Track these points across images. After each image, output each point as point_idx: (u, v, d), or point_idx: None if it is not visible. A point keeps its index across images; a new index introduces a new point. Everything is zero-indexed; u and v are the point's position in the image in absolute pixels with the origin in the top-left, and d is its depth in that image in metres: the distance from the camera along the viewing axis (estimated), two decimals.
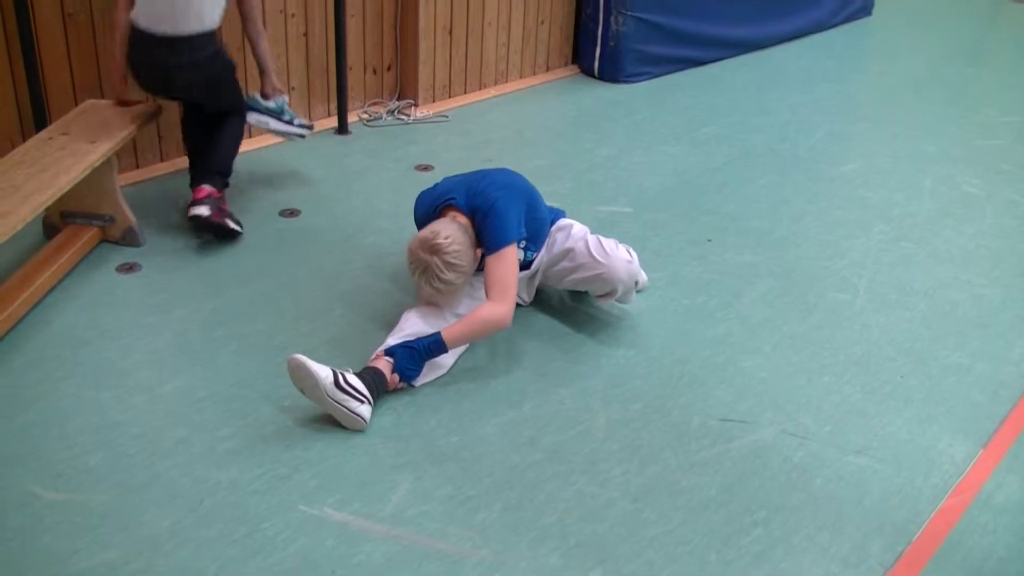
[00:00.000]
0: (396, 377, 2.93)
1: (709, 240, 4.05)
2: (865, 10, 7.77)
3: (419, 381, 3.01)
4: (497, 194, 3.08)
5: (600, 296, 3.37)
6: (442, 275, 2.95)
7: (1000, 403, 3.14)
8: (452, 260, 2.95)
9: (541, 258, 3.39)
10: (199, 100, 3.79)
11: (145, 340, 3.16)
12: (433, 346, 2.97)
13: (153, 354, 3.10)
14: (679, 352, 3.29)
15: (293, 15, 4.62)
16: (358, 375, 2.84)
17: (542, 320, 3.39)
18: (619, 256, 3.26)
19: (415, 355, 2.96)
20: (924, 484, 2.76)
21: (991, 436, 2.98)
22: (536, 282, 3.46)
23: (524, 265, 3.30)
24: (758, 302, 3.62)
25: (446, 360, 3.09)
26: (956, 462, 2.86)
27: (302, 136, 4.23)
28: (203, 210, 3.63)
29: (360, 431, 2.80)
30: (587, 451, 2.80)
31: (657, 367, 3.20)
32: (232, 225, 3.72)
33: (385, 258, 3.72)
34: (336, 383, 2.75)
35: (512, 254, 3.07)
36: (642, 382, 3.12)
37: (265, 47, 3.96)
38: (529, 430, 2.86)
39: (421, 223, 3.19)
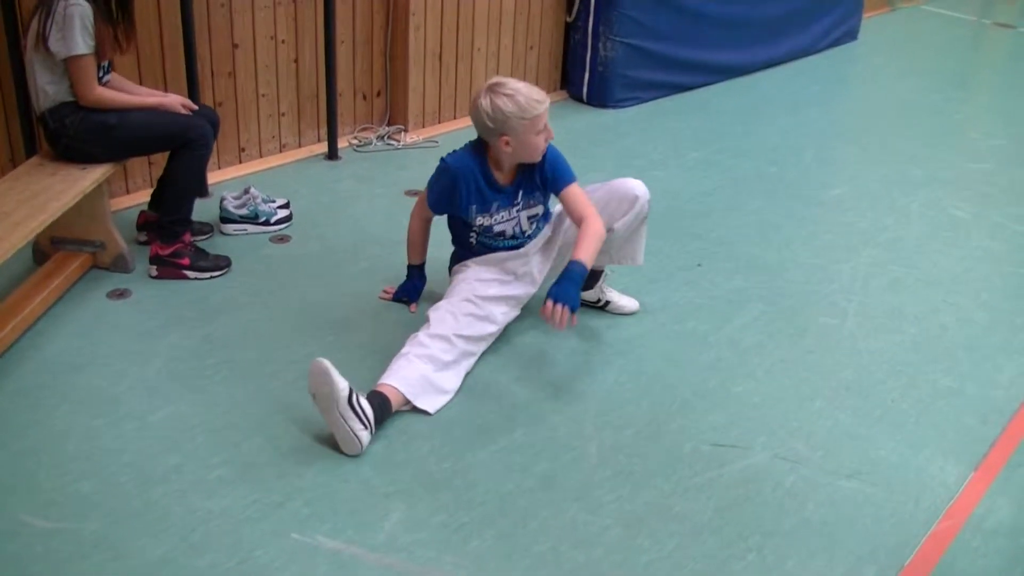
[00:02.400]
0: (401, 398, 2.95)
1: (699, 265, 4.07)
2: (850, 35, 7.83)
3: (433, 408, 3.01)
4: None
5: (619, 252, 3.49)
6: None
7: (990, 426, 3.15)
8: (508, 92, 3.06)
9: (546, 234, 3.46)
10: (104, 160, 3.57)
11: (136, 367, 3.15)
12: (583, 271, 3.07)
13: (145, 381, 3.09)
14: (670, 377, 3.29)
15: (284, 41, 4.64)
16: (368, 399, 2.84)
17: (532, 347, 3.40)
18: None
19: (575, 284, 3.04)
20: (916, 508, 2.77)
21: (982, 459, 3.00)
22: (552, 255, 3.46)
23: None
24: (749, 327, 3.63)
25: (451, 385, 3.09)
26: (947, 486, 2.87)
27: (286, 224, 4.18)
28: (152, 271, 3.65)
29: (354, 455, 2.79)
30: (580, 477, 2.80)
31: (648, 392, 3.21)
32: (190, 275, 3.65)
33: (377, 284, 3.72)
34: (349, 400, 2.75)
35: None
36: (634, 408, 3.13)
37: (128, 99, 3.56)
38: (521, 457, 2.86)
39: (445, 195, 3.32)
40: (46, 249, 3.66)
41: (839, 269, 4.12)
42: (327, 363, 2.74)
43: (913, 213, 4.75)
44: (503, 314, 3.29)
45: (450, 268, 3.51)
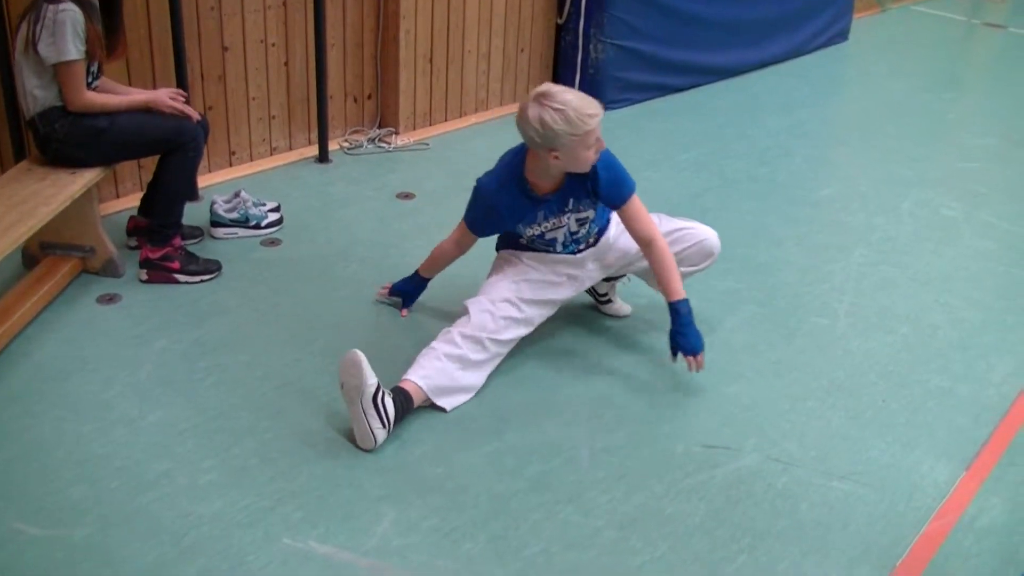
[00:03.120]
0: (423, 396, 2.96)
1: None
2: (841, 36, 7.84)
3: (450, 406, 3.03)
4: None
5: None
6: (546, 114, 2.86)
7: (982, 426, 3.16)
8: (558, 107, 2.85)
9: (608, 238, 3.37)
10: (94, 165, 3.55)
11: (126, 372, 3.14)
12: (688, 307, 3.12)
13: (135, 386, 3.08)
14: (662, 379, 3.29)
15: (274, 44, 4.63)
16: (392, 397, 2.84)
17: (522, 351, 3.39)
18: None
19: (691, 325, 3.12)
20: (908, 508, 2.77)
21: (973, 459, 3.00)
22: (608, 264, 3.41)
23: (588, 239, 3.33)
24: (741, 328, 3.63)
25: (474, 383, 3.09)
26: (939, 485, 2.87)
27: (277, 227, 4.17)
28: (142, 275, 3.64)
29: (367, 450, 2.80)
30: (572, 480, 2.79)
31: (640, 394, 3.21)
32: (181, 279, 3.65)
33: (368, 287, 3.71)
34: (374, 397, 2.76)
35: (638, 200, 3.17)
36: (625, 410, 3.12)
37: (117, 100, 3.51)
38: (513, 460, 2.85)
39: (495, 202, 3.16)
40: (35, 254, 3.64)
41: (831, 269, 4.12)
42: (360, 356, 2.76)
43: (904, 213, 4.76)
44: (540, 316, 3.26)
45: (498, 247, 3.41)
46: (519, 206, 3.12)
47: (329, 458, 2.80)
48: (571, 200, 3.14)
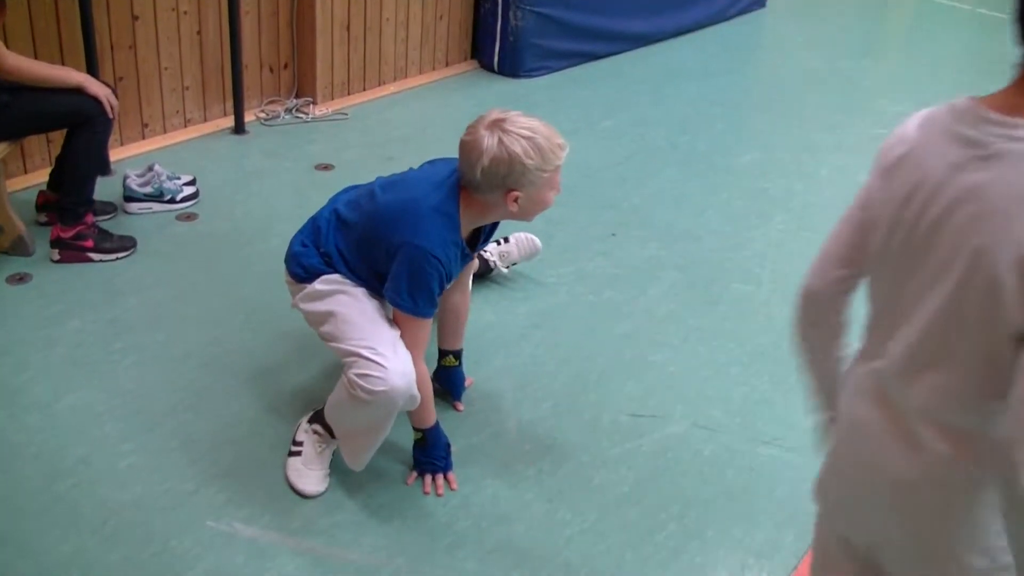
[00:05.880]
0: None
1: (613, 235, 4.06)
2: (759, 3, 7.88)
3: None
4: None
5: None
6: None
7: None
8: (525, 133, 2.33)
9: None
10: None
11: (39, 354, 3.04)
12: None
13: (48, 369, 2.98)
14: (587, 349, 3.29)
15: (186, 12, 4.50)
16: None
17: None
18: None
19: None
20: None
21: None
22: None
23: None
24: (664, 296, 3.64)
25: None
26: None
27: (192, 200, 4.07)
28: (54, 255, 3.52)
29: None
30: (499, 453, 2.78)
31: (566, 365, 3.20)
32: (95, 257, 3.53)
33: None
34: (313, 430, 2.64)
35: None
36: (551, 380, 3.12)
37: (37, 69, 3.39)
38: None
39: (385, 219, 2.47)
40: None
41: (752, 236, 4.16)
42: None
43: (823, 179, 4.81)
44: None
45: (312, 273, 2.59)
46: (456, 267, 2.54)
47: (252, 438, 2.75)
48: (476, 246, 2.68)
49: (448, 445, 2.68)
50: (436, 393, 2.84)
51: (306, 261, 2.57)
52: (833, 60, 6.87)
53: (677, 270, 3.83)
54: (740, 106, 5.88)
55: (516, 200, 2.38)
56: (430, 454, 2.63)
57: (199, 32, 4.60)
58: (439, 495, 2.62)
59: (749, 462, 2.82)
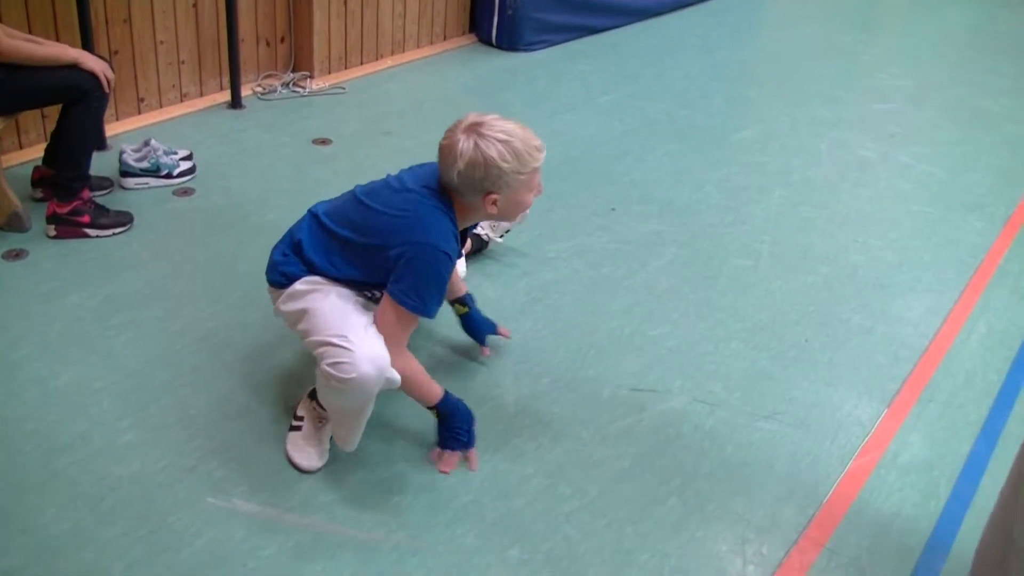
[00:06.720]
0: None
1: (613, 209, 4.05)
2: None
3: None
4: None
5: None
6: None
7: (901, 364, 3.20)
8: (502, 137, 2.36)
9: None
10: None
11: (36, 330, 3.03)
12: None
13: (45, 345, 2.96)
14: (587, 323, 3.28)
15: None
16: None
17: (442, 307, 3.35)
18: None
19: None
20: (832, 446, 2.81)
21: (894, 397, 3.05)
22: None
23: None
24: (663, 271, 3.63)
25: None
26: (862, 423, 2.91)
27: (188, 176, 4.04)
28: (50, 231, 3.49)
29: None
30: (499, 428, 2.77)
31: (565, 340, 3.19)
32: (91, 232, 3.51)
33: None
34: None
35: None
36: (551, 355, 3.10)
37: (33, 50, 3.32)
38: None
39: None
40: None
41: (751, 211, 4.14)
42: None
43: (822, 154, 4.79)
44: None
45: (293, 279, 2.52)
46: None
47: (251, 414, 2.73)
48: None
49: (470, 415, 2.64)
50: (465, 349, 2.98)
51: (287, 269, 2.54)
52: (833, 34, 6.84)
53: (676, 245, 3.81)
54: (739, 80, 5.85)
55: (495, 203, 2.42)
56: (450, 426, 2.62)
57: (195, 5, 4.56)
58: (471, 469, 2.60)
59: (748, 436, 2.81)
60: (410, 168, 2.61)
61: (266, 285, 2.62)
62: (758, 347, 3.22)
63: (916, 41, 6.98)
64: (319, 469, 2.57)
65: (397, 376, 2.39)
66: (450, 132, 2.40)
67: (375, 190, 2.54)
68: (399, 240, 2.38)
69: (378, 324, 2.39)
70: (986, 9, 7.92)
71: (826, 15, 7.30)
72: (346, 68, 5.33)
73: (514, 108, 5.04)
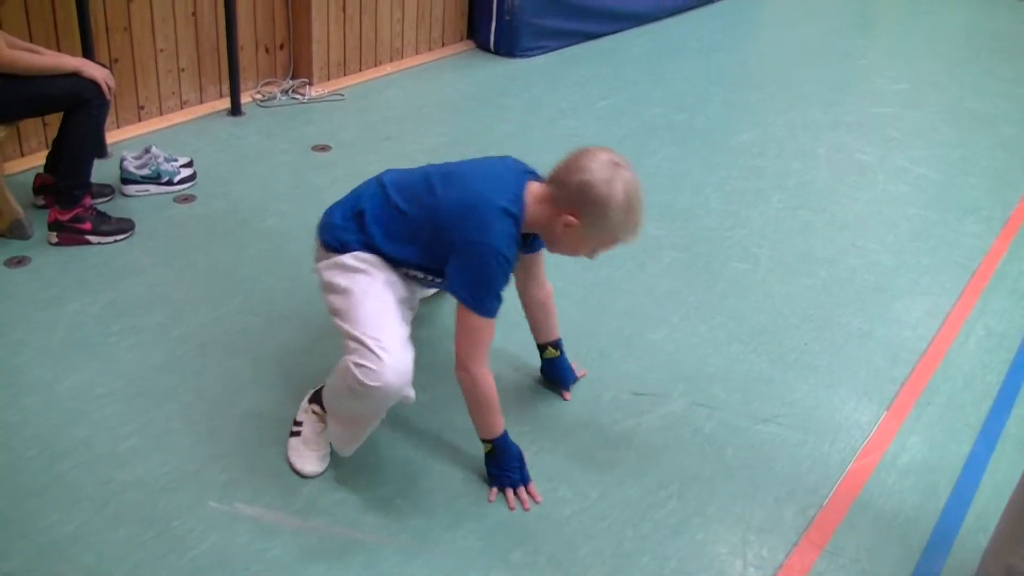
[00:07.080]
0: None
1: None
2: None
3: None
4: None
5: None
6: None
7: (900, 366, 3.22)
8: None
9: None
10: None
11: (38, 336, 3.04)
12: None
13: (47, 350, 2.98)
14: (586, 327, 3.29)
15: None
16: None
17: (443, 306, 3.35)
18: None
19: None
20: (832, 449, 2.82)
21: (893, 399, 3.06)
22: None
23: None
24: (663, 274, 3.64)
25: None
26: (861, 426, 2.92)
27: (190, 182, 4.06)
28: (52, 238, 3.51)
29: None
30: None
31: (565, 343, 3.18)
32: (93, 239, 3.53)
33: (285, 243, 3.64)
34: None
35: None
36: None
37: (33, 61, 3.34)
38: (440, 413, 2.83)
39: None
40: None
41: (750, 214, 4.15)
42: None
43: (820, 157, 4.81)
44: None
45: (347, 249, 2.50)
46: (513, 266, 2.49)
47: (253, 419, 2.74)
48: None
49: (520, 455, 2.59)
50: (543, 385, 2.95)
51: (344, 236, 2.49)
52: (830, 38, 6.86)
53: (675, 248, 3.83)
54: (737, 84, 5.87)
55: (567, 224, 2.39)
56: (502, 466, 2.56)
57: (194, 13, 4.58)
58: (526, 509, 2.53)
59: (748, 439, 2.82)
60: (489, 159, 2.62)
61: (313, 246, 2.57)
62: (758, 350, 3.23)
63: (913, 44, 7.00)
64: (320, 474, 2.58)
65: (412, 393, 2.37)
66: (598, 149, 2.42)
67: (452, 176, 2.51)
68: (463, 235, 2.36)
69: (457, 334, 2.43)
70: (983, 10, 7.95)
71: (823, 17, 7.32)
72: (345, 75, 5.35)
73: (513, 114, 5.06)
